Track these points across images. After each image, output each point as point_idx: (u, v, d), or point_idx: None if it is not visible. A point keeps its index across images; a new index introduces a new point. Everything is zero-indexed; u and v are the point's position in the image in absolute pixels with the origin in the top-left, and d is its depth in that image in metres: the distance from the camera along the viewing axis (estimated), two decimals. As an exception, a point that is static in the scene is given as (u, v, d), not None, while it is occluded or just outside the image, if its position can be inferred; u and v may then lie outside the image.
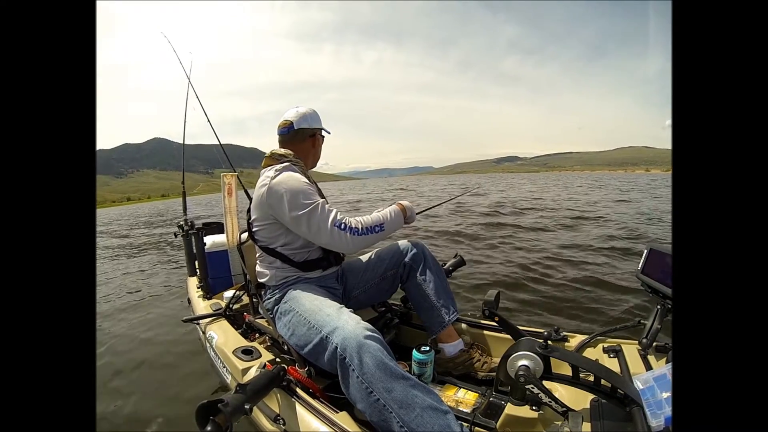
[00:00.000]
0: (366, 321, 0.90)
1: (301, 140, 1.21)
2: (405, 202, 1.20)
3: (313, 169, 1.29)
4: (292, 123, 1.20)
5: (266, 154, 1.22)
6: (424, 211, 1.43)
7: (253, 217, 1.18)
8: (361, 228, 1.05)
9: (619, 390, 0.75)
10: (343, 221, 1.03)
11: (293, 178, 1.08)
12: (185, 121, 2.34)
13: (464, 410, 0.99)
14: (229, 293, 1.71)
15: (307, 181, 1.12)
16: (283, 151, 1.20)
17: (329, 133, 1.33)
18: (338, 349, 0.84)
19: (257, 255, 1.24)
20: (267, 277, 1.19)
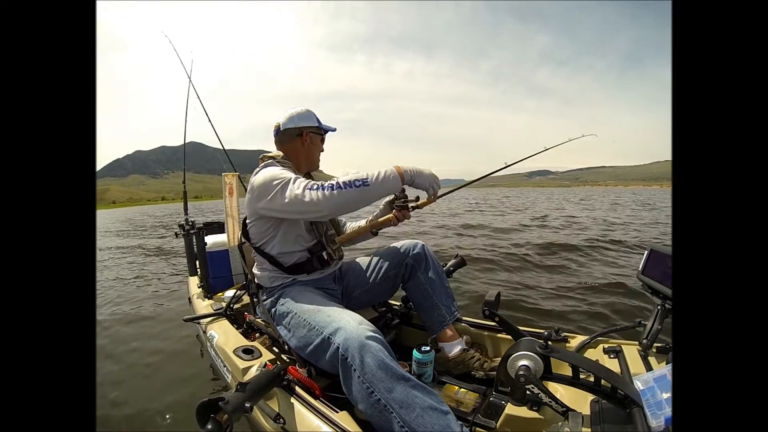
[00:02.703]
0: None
1: (289, 140, 1.21)
2: (410, 167, 1.05)
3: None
4: (279, 125, 1.21)
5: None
6: (447, 193, 1.31)
7: (246, 216, 1.20)
8: (338, 183, 0.96)
9: (619, 390, 0.75)
10: (317, 184, 0.97)
11: (269, 170, 1.08)
12: (186, 121, 2.38)
13: (464, 410, 0.99)
14: (229, 293, 1.71)
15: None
16: (273, 153, 1.22)
17: (333, 130, 1.29)
18: (340, 350, 0.84)
19: (253, 255, 1.24)
20: (263, 280, 1.20)
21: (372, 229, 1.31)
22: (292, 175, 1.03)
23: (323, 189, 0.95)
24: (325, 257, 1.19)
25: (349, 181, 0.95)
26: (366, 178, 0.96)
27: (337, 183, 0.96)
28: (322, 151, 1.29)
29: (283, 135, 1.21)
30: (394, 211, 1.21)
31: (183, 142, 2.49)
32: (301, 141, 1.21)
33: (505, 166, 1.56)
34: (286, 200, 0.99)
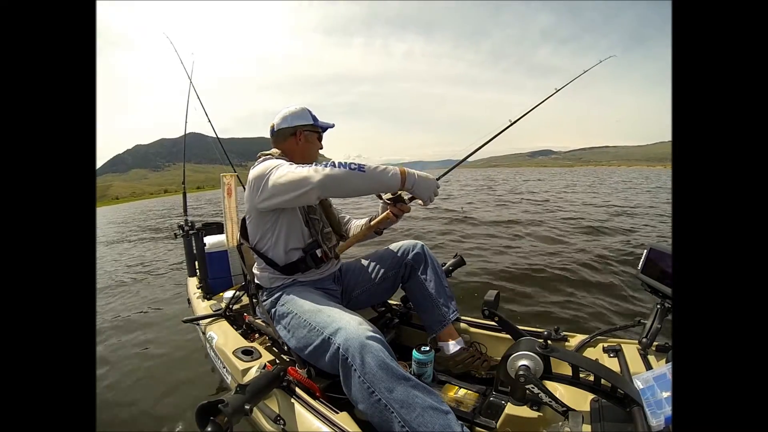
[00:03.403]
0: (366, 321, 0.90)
1: (283, 139, 1.22)
2: (416, 173, 1.02)
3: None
4: (273, 125, 1.23)
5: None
6: (444, 174, 1.22)
7: (246, 214, 1.20)
8: (333, 162, 0.96)
9: (619, 390, 0.75)
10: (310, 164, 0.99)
11: (265, 163, 1.09)
12: (186, 122, 2.39)
13: (464, 410, 0.99)
14: (228, 294, 1.71)
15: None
16: (271, 151, 1.23)
17: (330, 126, 1.29)
18: (340, 350, 0.84)
19: (252, 254, 1.24)
20: (263, 280, 1.19)
21: (373, 230, 1.29)
22: (287, 163, 1.04)
23: (316, 165, 0.96)
24: (319, 255, 1.17)
25: (346, 162, 0.95)
26: (363, 165, 0.95)
27: (332, 162, 0.95)
28: (321, 148, 1.28)
29: (277, 135, 1.22)
30: (389, 206, 1.16)
31: (183, 135, 2.50)
32: (295, 140, 1.22)
33: (510, 123, 1.40)
34: (279, 179, 0.99)
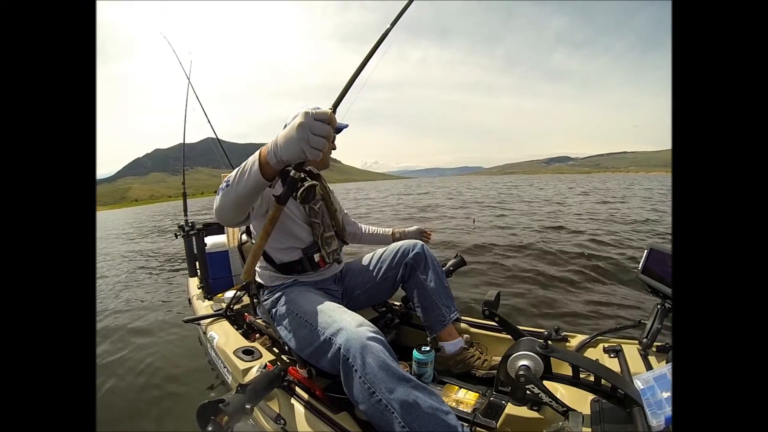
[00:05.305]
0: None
1: None
2: (277, 138, 0.75)
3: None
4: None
5: None
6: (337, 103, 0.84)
7: None
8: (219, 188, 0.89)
9: (619, 390, 0.75)
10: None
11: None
12: (185, 121, 2.40)
13: (465, 410, 0.99)
14: (229, 293, 1.71)
15: None
16: None
17: (342, 126, 1.19)
18: (341, 350, 0.84)
19: None
20: (263, 278, 1.20)
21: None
22: (231, 175, 0.98)
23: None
24: (317, 260, 1.17)
25: (222, 185, 0.87)
26: (229, 177, 0.83)
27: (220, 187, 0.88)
28: (334, 148, 1.23)
29: None
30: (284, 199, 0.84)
31: (183, 134, 2.50)
32: None
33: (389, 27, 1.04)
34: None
